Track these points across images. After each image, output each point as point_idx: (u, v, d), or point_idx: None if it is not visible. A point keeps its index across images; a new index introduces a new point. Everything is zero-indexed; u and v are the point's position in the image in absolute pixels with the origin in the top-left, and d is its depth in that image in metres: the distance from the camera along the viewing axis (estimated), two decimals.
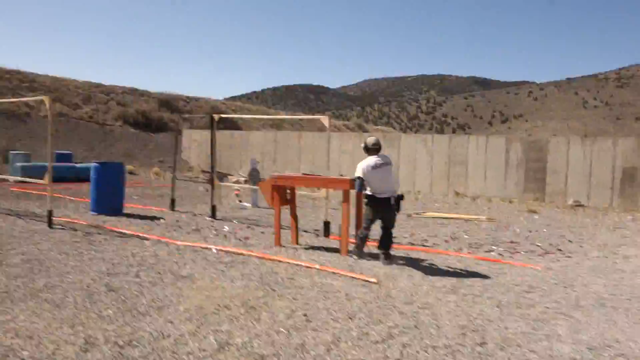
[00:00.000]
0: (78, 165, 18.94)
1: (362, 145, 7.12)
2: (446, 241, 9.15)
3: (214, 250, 7.26)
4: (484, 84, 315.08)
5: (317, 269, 6.40)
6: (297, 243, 8.19)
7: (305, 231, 9.59)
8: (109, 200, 10.35)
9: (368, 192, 6.98)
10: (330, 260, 6.95)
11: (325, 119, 9.16)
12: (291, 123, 39.57)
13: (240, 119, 27.19)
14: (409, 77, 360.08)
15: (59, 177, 17.45)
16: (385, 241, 7.08)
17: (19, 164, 17.19)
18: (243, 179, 22.82)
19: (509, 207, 16.52)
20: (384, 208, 6.96)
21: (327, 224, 9.08)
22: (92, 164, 10.60)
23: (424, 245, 8.64)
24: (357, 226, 7.59)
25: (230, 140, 25.36)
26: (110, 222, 9.47)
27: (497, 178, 18.93)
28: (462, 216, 12.82)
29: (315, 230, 9.59)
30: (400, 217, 10.22)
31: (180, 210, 11.63)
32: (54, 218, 8.64)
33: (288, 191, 8.11)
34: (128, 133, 27.50)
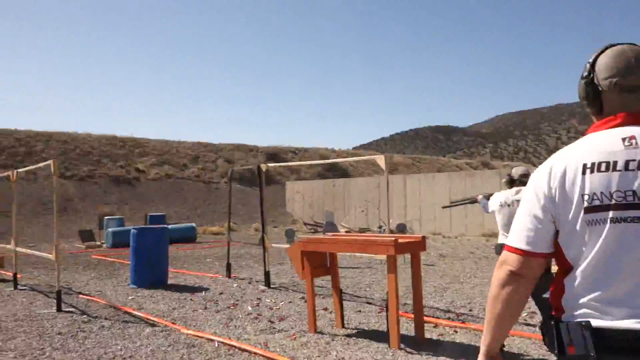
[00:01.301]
0: (170, 227, 18.35)
1: (506, 178, 5.34)
2: None
3: (215, 345, 5.43)
4: None
5: None
6: (343, 326, 6.10)
7: (369, 303, 7.46)
8: (149, 271, 9.02)
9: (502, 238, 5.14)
10: None
11: (380, 159, 7.13)
12: (405, 165, 37.40)
13: (290, 166, 25.54)
14: (545, 107, 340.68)
15: None
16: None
17: (110, 230, 16.91)
18: (344, 230, 21.03)
19: None
20: None
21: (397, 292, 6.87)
22: (131, 230, 9.40)
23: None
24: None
25: (332, 189, 23.82)
26: (140, 298, 8.08)
27: None
28: None
29: (384, 300, 7.41)
30: None
31: (237, 277, 10.03)
32: (76, 295, 7.41)
33: (327, 256, 6.12)
34: (233, 190, 27.10)
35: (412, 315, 5.70)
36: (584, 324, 1.48)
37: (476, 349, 5.04)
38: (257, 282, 9.45)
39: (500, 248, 4.83)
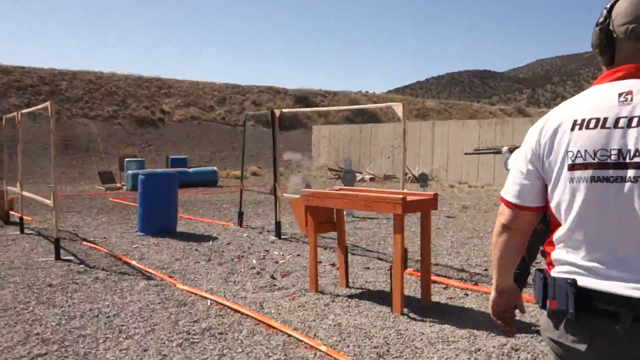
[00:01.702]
0: (191, 170, 18.15)
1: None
2: None
3: (208, 303, 5.10)
4: None
5: (323, 351, 3.91)
6: (347, 285, 5.71)
7: (380, 259, 7.05)
8: (157, 218, 8.74)
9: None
10: (366, 328, 4.38)
11: (398, 106, 6.53)
12: (438, 110, 36.32)
13: (304, 112, 24.67)
14: (586, 52, 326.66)
15: None
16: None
17: (130, 172, 16.76)
18: (369, 177, 20.53)
19: None
20: None
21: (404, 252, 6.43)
22: (139, 175, 9.07)
23: None
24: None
25: (358, 135, 23.18)
26: (144, 247, 7.83)
27: None
28: None
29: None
30: None
31: (249, 226, 9.71)
32: (80, 241, 7.18)
33: (333, 211, 5.66)
34: (259, 132, 26.66)
35: (419, 273, 5.26)
36: (569, 281, 1.50)
37: (485, 316, 4.59)
38: (268, 232, 9.12)
39: None
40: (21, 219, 9.06)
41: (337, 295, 5.37)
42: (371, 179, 20.07)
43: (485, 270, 6.44)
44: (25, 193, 8.82)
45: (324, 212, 5.57)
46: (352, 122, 29.45)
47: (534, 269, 1.74)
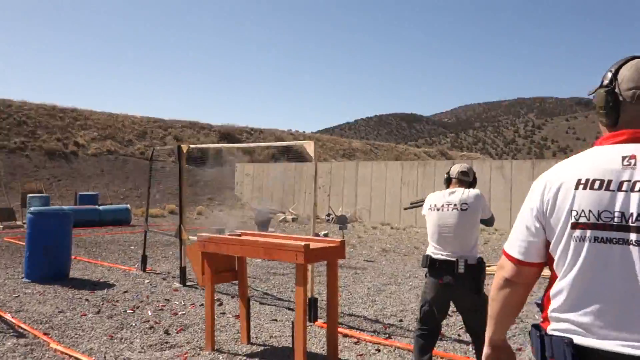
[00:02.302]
0: (101, 208, 17.03)
1: (445, 176, 4.28)
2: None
3: None
4: (588, 104, 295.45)
5: None
6: (249, 341, 5.14)
7: (290, 309, 6.52)
8: (46, 263, 7.83)
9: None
10: None
11: (309, 145, 6.14)
12: (364, 151, 36.69)
13: (213, 148, 24.33)
14: (506, 100, 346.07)
15: (77, 222, 15.63)
16: None
17: (32, 209, 15.45)
18: (291, 217, 20.07)
19: None
20: (445, 284, 3.78)
21: (313, 302, 5.96)
22: (27, 214, 8.17)
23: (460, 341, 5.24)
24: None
25: (282, 173, 22.80)
26: (26, 296, 6.93)
27: None
28: None
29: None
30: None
31: (153, 271, 8.96)
32: None
33: (234, 258, 5.12)
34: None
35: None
36: (566, 340, 1.54)
37: None
38: (173, 277, 8.41)
39: (426, 260, 3.90)
40: None
41: (236, 354, 4.80)
42: (294, 219, 19.62)
43: (400, 321, 6.06)
44: None
45: (223, 259, 5.04)
46: (277, 160, 29.08)
47: (531, 325, 1.69)
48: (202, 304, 6.70)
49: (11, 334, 5.31)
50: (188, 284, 7.87)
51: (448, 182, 4.15)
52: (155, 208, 20.75)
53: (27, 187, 18.72)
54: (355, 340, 5.29)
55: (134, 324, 5.74)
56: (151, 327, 5.63)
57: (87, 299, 6.84)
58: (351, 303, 6.89)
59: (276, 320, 6.03)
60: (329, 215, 19.85)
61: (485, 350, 1.80)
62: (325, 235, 14.94)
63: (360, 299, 7.14)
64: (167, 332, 5.45)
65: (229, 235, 4.92)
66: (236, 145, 7.89)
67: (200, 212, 21.27)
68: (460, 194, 3.90)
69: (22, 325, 5.55)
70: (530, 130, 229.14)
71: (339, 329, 5.51)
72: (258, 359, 4.67)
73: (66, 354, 4.70)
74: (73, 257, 9.96)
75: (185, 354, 4.77)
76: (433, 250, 3.87)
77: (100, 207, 16.97)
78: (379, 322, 6.00)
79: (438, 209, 3.91)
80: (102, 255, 10.74)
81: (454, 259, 3.71)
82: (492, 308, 1.75)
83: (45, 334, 5.31)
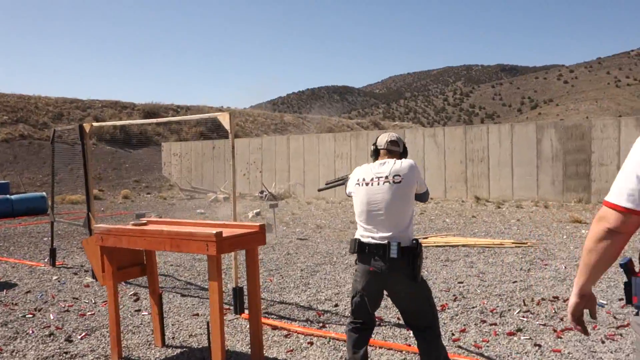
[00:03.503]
0: (13, 197, 15.68)
1: (372, 146, 3.66)
2: (441, 309, 5.33)
3: None
4: (512, 70, 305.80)
5: None
6: (163, 344, 4.54)
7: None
8: None
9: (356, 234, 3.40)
10: None
11: (224, 117, 5.51)
12: (296, 125, 36.10)
13: (115, 125, 23.44)
14: (434, 70, 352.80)
15: None
16: None
17: None
18: (223, 196, 19.34)
19: (544, 214, 12.57)
20: (376, 272, 3.20)
21: (238, 292, 5.40)
22: None
23: (398, 325, 4.83)
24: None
25: (211, 151, 21.91)
26: None
27: (527, 176, 14.94)
28: (478, 242, 8.96)
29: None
30: None
31: (64, 265, 8.12)
32: None
33: (142, 252, 4.46)
34: (102, 152, 24.25)
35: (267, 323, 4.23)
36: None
37: None
38: (86, 272, 7.62)
39: (354, 245, 3.31)
40: None
41: None
42: (225, 199, 18.88)
43: (336, 305, 5.61)
44: None
45: (128, 253, 4.37)
46: (207, 138, 28.05)
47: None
48: (134, 297, 6.01)
49: None
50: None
51: (376, 153, 3.56)
52: (76, 194, 19.48)
53: None
54: (285, 332, 4.78)
55: (31, 332, 5.00)
56: (51, 334, 4.91)
57: None
58: (282, 289, 6.38)
59: (197, 315, 5.44)
60: (262, 192, 19.25)
61: (574, 300, 1.89)
62: (258, 213, 14.35)
63: (293, 283, 6.64)
64: (69, 339, 4.75)
65: (132, 225, 4.25)
66: (148, 121, 7.24)
67: (126, 195, 20.13)
68: (392, 164, 3.32)
69: None
70: (459, 98, 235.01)
71: (268, 321, 5.01)
72: None
73: None
74: None
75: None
76: (362, 233, 3.31)
77: (12, 197, 15.62)
78: (312, 309, 5.52)
79: (367, 184, 3.31)
80: (9, 250, 9.73)
81: (386, 242, 3.17)
82: (589, 259, 1.80)
83: None
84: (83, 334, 4.90)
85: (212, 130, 30.12)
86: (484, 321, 4.90)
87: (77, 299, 6.18)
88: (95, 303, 5.99)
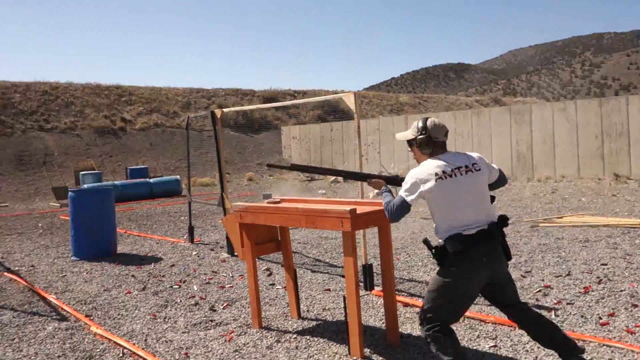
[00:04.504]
0: (152, 180, 17.01)
1: (413, 133, 3.27)
2: (584, 291, 5.02)
3: (120, 354, 4.07)
4: None
5: None
6: (299, 316, 4.71)
7: (344, 277, 6.05)
8: (91, 240, 7.64)
9: (440, 235, 3.12)
10: None
11: (349, 97, 5.54)
12: (412, 105, 35.56)
13: (239, 111, 23.68)
14: (559, 41, 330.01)
15: (129, 196, 15.70)
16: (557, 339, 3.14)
17: (85, 186, 15.58)
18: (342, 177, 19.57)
19: None
20: (487, 262, 3.02)
21: (368, 269, 5.47)
22: (69, 193, 7.98)
23: (539, 307, 4.63)
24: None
25: (329, 133, 22.23)
26: (73, 275, 6.75)
27: None
28: (621, 222, 8.30)
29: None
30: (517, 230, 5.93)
31: (201, 242, 8.68)
32: (1, 272, 6.10)
33: (276, 228, 4.66)
34: (227, 137, 25.49)
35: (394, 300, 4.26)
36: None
37: (476, 357, 3.65)
38: (221, 248, 8.09)
39: (455, 243, 2.98)
40: None
41: (285, 332, 4.37)
42: (345, 180, 19.09)
43: None
44: None
45: (264, 230, 4.57)
46: (324, 120, 28.50)
47: None
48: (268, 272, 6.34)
49: (53, 317, 5.08)
50: (236, 253, 7.52)
51: (431, 144, 3.19)
52: (205, 177, 20.70)
53: (80, 166, 18.94)
54: (417, 310, 4.76)
55: (179, 301, 5.42)
56: (196, 304, 5.29)
57: (133, 275, 6.60)
58: (410, 267, 6.36)
59: (329, 290, 5.58)
60: (380, 173, 19.24)
61: None
62: (379, 193, 14.37)
63: (420, 262, 6.59)
64: (212, 309, 5.09)
65: (267, 203, 4.44)
66: (271, 105, 7.56)
67: (250, 177, 21.08)
68: (463, 156, 3.17)
69: (65, 308, 5.31)
70: (588, 69, 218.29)
71: (399, 298, 5.00)
72: (309, 336, 4.22)
73: (106, 338, 4.40)
74: (123, 231, 9.86)
75: (231, 333, 4.38)
76: (459, 228, 3.01)
77: (151, 180, 16.96)
78: None
79: (449, 176, 3.04)
80: (153, 228, 10.59)
81: (487, 228, 3.02)
82: None
83: (87, 316, 5.05)
84: (225, 304, 5.22)
85: (329, 112, 30.55)
86: (635, 305, 4.54)
87: (215, 272, 6.59)
88: (232, 277, 6.35)
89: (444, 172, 3.03)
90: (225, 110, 7.75)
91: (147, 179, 17.08)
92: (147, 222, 11.61)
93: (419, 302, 4.94)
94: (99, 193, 7.94)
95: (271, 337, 4.25)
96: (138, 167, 18.69)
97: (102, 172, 18.41)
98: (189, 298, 5.51)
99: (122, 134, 23.44)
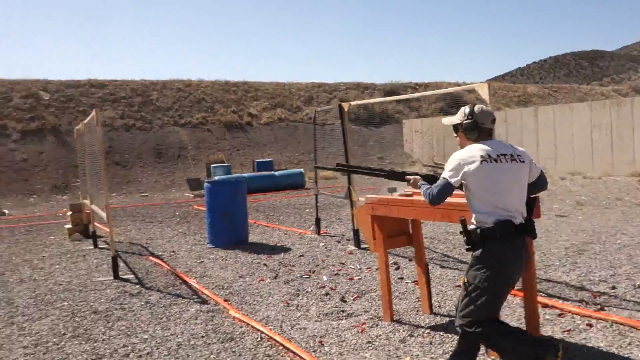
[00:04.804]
0: (277, 173, 17.61)
1: (460, 118, 3.19)
2: None
3: (258, 338, 4.24)
4: None
5: None
6: (431, 311, 4.63)
7: None
8: (225, 229, 8.06)
9: (476, 220, 3.07)
10: None
11: (482, 88, 5.31)
12: (541, 96, 33.60)
13: (363, 105, 22.98)
14: None
15: (256, 188, 16.36)
16: None
17: (216, 178, 16.49)
18: None
19: None
20: (523, 252, 3.07)
21: None
22: (205, 184, 8.46)
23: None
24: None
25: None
26: (210, 262, 7.17)
27: None
28: None
29: None
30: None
31: (327, 234, 8.83)
32: (147, 256, 6.65)
33: (407, 221, 4.60)
34: (348, 130, 25.72)
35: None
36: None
37: None
38: (348, 240, 8.18)
39: (503, 227, 2.94)
40: (94, 232, 8.77)
41: (418, 327, 4.31)
42: None
43: (613, 288, 5.07)
44: (93, 206, 8.49)
45: (395, 222, 4.53)
46: (447, 113, 27.77)
47: None
48: (378, 269, 6.34)
49: (195, 300, 5.42)
50: (362, 246, 7.56)
51: (477, 130, 3.11)
52: (328, 170, 21.04)
53: (210, 158, 20.10)
54: (558, 312, 4.49)
55: (309, 290, 5.55)
56: (327, 294, 5.38)
57: (265, 264, 6.86)
58: (547, 266, 6.00)
59: (460, 286, 5.42)
60: None
61: None
62: None
63: (558, 261, 6.20)
64: (343, 300, 5.16)
65: (400, 196, 4.39)
66: (397, 97, 7.48)
67: None
68: (508, 145, 3.14)
69: (205, 292, 5.65)
70: None
71: (538, 299, 4.74)
72: (443, 332, 4.13)
73: (244, 322, 4.61)
74: (252, 221, 10.29)
75: (362, 324, 4.41)
76: (505, 213, 2.99)
77: (276, 173, 17.56)
78: (585, 290, 5.08)
79: (494, 160, 2.99)
80: (279, 219, 10.96)
81: (524, 220, 3.05)
82: None
83: (225, 300, 5.33)
84: (355, 295, 5.26)
85: (451, 105, 29.74)
86: None
87: (343, 264, 6.67)
88: (360, 269, 6.39)
89: (489, 155, 3.00)
90: (352, 103, 7.81)
91: (273, 172, 17.70)
92: (274, 213, 12.03)
93: (559, 303, 4.65)
94: (233, 184, 8.35)
95: (403, 331, 4.21)
96: (264, 160, 19.44)
97: (231, 164, 19.37)
98: (319, 288, 5.62)
99: (249, 128, 24.51)
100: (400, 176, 3.75)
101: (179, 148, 21.91)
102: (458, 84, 36.28)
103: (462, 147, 3.21)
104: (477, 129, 3.12)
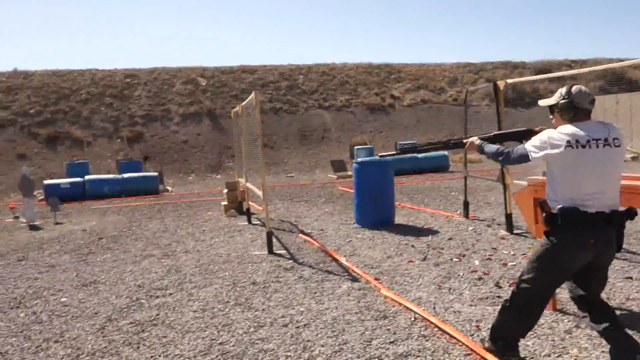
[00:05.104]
0: (420, 155, 17.35)
1: (556, 98, 3.05)
2: None
3: (412, 318, 4.21)
4: None
5: None
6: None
7: None
8: (372, 209, 8.13)
9: (552, 202, 3.02)
10: None
11: None
12: None
13: (534, 82, 20.85)
14: None
15: (399, 170, 16.33)
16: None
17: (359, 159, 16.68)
18: (631, 155, 17.30)
19: None
20: (594, 245, 2.92)
21: None
22: (353, 165, 8.56)
23: None
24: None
25: (614, 107, 19.79)
26: (357, 241, 7.27)
27: None
28: None
29: None
30: None
31: (476, 218, 8.53)
32: (297, 234, 6.96)
33: None
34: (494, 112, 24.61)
35: None
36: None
37: None
38: (499, 225, 7.84)
39: (570, 215, 2.86)
40: (248, 209, 9.31)
41: (585, 316, 4.00)
42: (633, 158, 16.84)
43: None
44: (248, 185, 9.00)
45: None
46: (607, 92, 25.44)
47: None
48: None
49: (346, 277, 5.53)
50: (515, 231, 7.22)
51: (573, 110, 2.95)
52: (473, 154, 20.34)
53: (353, 140, 20.36)
54: None
55: (461, 274, 5.41)
56: (480, 278, 5.21)
57: (412, 245, 6.82)
58: None
59: (631, 278, 4.96)
60: None
61: None
62: None
63: None
64: (498, 285, 4.96)
65: None
66: (554, 74, 6.95)
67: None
68: (605, 127, 2.92)
69: (355, 270, 5.74)
70: None
71: None
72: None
73: (396, 301, 4.62)
74: (397, 203, 10.26)
75: None
76: (576, 201, 2.88)
77: (419, 155, 17.32)
78: None
79: (582, 146, 2.83)
80: (424, 202, 10.82)
81: (608, 211, 2.87)
82: None
83: (376, 279, 5.37)
84: (510, 281, 5.02)
85: (612, 84, 27.16)
86: None
87: (495, 249, 6.41)
88: (514, 255, 6.09)
89: (577, 140, 2.86)
90: (509, 81, 7.41)
91: (416, 154, 17.47)
92: (418, 195, 11.91)
93: None
94: (381, 165, 8.36)
95: (568, 322, 3.95)
96: (407, 141, 19.26)
97: (374, 146, 19.47)
98: (471, 272, 5.45)
99: (391, 110, 24.42)
100: (460, 144, 3.72)
101: (323, 130, 22.47)
102: (620, 60, 32.98)
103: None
104: (574, 109, 2.98)
